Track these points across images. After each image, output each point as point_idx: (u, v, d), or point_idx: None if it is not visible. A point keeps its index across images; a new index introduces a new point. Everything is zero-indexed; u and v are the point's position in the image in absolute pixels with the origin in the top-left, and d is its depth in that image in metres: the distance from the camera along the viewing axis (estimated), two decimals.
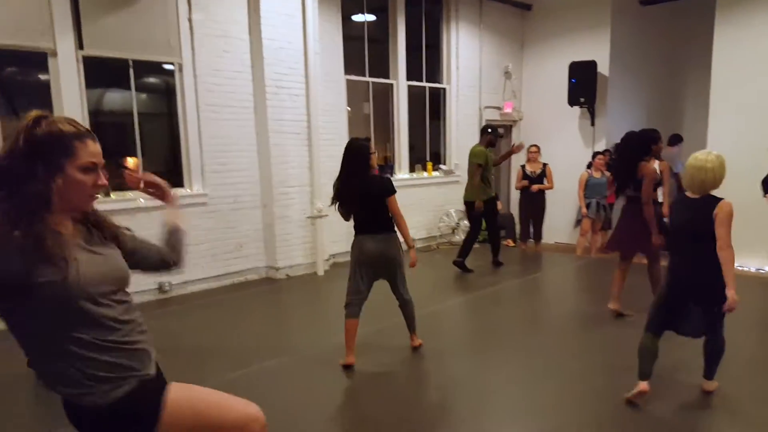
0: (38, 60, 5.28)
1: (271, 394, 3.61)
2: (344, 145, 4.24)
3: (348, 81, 7.92)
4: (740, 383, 3.73)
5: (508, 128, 10.50)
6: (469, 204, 7.34)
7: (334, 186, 4.12)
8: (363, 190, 3.99)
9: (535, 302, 6.28)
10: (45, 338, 1.56)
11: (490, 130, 7.49)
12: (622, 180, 5.12)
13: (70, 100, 5.41)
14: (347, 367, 4.05)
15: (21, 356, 1.70)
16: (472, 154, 7.26)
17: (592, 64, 9.08)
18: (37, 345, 1.59)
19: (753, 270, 7.15)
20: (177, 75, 6.24)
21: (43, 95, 5.37)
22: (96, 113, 5.84)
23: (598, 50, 9.16)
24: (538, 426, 3.24)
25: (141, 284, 6.04)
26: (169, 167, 6.46)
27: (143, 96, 6.18)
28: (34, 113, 1.56)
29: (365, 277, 4.06)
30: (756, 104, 7.20)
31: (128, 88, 5.92)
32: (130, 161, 5.94)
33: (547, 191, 8.50)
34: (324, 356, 4.32)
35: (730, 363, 3.64)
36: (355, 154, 4.04)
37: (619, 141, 5.48)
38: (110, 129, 6.23)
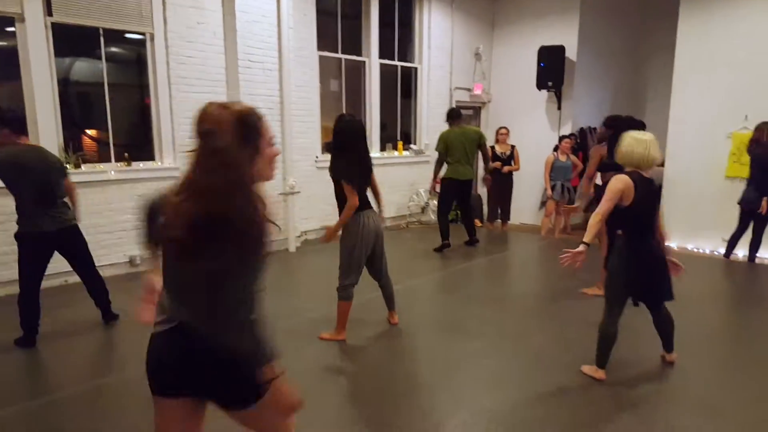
0: (5, 25, 5.11)
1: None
2: (334, 122, 4.17)
3: (320, 57, 7.89)
4: (699, 354, 3.99)
5: (477, 110, 10.65)
6: (466, 183, 7.42)
7: (349, 163, 4.00)
8: (369, 166, 4.15)
9: (504, 279, 6.50)
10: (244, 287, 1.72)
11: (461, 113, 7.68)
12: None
13: (39, 67, 5.27)
14: (340, 342, 4.18)
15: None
16: (480, 136, 7.41)
17: (560, 49, 9.24)
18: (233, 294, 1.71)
19: (708, 252, 7.50)
20: (148, 45, 6.11)
21: (10, 61, 5.20)
22: (65, 82, 5.69)
23: (566, 35, 9.32)
24: (507, 396, 3.40)
25: (112, 257, 6.00)
26: (139, 140, 6.35)
27: (113, 66, 6.03)
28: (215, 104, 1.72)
29: (364, 254, 4.11)
30: (717, 90, 7.50)
31: (98, 57, 5.79)
32: None
33: (513, 172, 8.71)
34: (300, 330, 4.41)
35: (690, 336, 3.88)
36: (363, 131, 4.19)
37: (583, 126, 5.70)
38: (80, 99, 6.07)
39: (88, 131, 6.19)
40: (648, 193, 3.39)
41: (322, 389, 3.53)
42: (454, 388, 3.49)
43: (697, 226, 7.48)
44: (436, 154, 7.77)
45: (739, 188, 6.68)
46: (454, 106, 10.02)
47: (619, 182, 3.34)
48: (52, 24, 5.32)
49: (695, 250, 7.60)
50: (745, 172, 6.70)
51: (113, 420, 3.12)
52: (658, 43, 10.06)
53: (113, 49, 6.10)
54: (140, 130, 6.38)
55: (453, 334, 4.43)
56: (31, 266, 4.05)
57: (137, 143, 6.31)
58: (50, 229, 4.02)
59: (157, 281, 1.84)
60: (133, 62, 6.33)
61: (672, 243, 7.52)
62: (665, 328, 3.72)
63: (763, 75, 7.08)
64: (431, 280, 6.21)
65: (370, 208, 4.15)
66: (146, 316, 1.85)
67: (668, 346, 3.78)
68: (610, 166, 4.87)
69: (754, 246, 6.65)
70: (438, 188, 7.96)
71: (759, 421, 3.12)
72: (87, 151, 5.99)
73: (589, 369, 3.64)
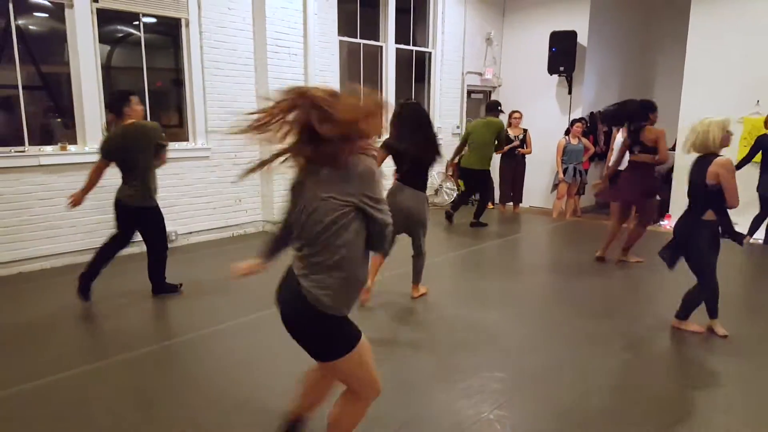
0: (56, 11, 5.37)
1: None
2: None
3: (341, 42, 8.12)
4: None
5: (488, 94, 10.91)
6: (476, 172, 7.88)
7: (394, 138, 4.35)
8: (422, 146, 4.35)
9: (519, 257, 6.83)
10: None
11: (499, 107, 8.14)
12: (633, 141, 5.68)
13: (85, 51, 5.53)
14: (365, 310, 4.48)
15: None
16: (500, 127, 7.85)
17: (572, 34, 9.48)
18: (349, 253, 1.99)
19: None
20: (183, 30, 6.36)
21: (59, 46, 5.46)
22: (107, 67, 5.94)
23: (577, 21, 9.56)
24: (536, 359, 3.72)
25: None
26: (174, 121, 6.62)
27: (151, 51, 6.27)
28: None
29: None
30: (728, 76, 7.75)
31: (138, 42, 6.03)
32: None
33: (526, 156, 9.00)
34: None
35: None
36: (419, 115, 4.43)
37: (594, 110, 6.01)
38: (121, 83, 6.32)
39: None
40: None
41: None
42: (496, 351, 3.80)
43: None
44: (448, 138, 8.11)
45: (749, 172, 6.98)
46: (466, 90, 10.32)
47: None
48: (97, 9, 5.56)
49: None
50: (756, 156, 6.97)
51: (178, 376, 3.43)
52: (668, 30, 10.31)
53: (152, 34, 6.34)
54: (175, 112, 6.65)
55: (473, 305, 4.73)
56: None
57: (172, 125, 6.58)
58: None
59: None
60: (169, 46, 6.56)
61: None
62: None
63: None
64: (448, 258, 6.50)
65: (410, 186, 4.42)
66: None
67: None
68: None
69: None
70: (450, 172, 8.55)
71: None
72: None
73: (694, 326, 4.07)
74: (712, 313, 4.05)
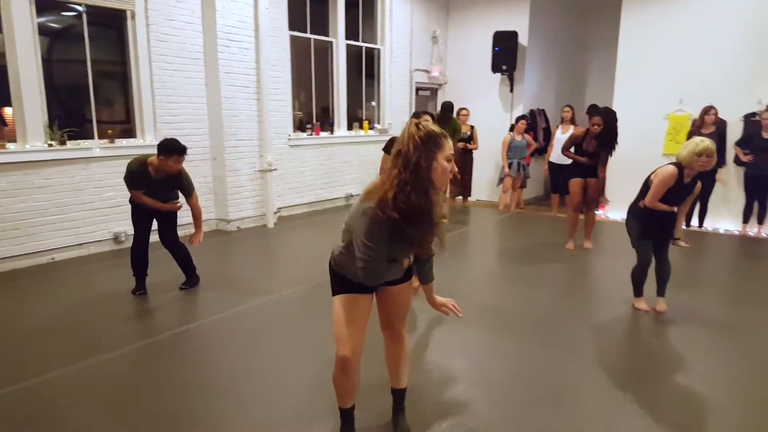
0: None
1: (271, 324, 4.01)
2: None
3: (291, 37, 8.03)
4: None
5: (434, 91, 11.09)
6: None
7: None
8: None
9: (474, 246, 7.00)
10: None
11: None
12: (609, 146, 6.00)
13: (24, 45, 5.21)
14: None
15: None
16: (458, 128, 8.10)
17: (513, 35, 9.79)
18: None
19: None
20: (129, 23, 6.10)
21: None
22: (48, 61, 5.62)
23: (518, 21, 9.88)
24: (496, 330, 3.86)
25: (97, 235, 6.02)
26: (121, 117, 6.35)
27: (96, 44, 5.97)
28: (414, 121, 2.14)
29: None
30: (655, 76, 8.26)
31: (81, 35, 5.74)
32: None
33: (473, 151, 9.22)
34: (303, 295, 4.72)
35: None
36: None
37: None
38: (64, 78, 5.98)
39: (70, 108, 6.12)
40: None
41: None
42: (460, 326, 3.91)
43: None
44: (398, 134, 8.19)
45: None
46: (415, 87, 10.45)
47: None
48: (36, 0, 5.25)
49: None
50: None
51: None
52: (600, 31, 10.85)
53: (96, 26, 6.04)
54: (122, 107, 6.37)
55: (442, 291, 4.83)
56: None
57: (119, 120, 6.31)
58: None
59: None
60: (114, 39, 6.27)
61: (617, 216, 8.31)
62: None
63: (696, 62, 7.87)
64: None
65: None
66: None
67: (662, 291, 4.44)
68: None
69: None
70: None
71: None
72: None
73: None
74: (639, 292, 4.49)
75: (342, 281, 2.38)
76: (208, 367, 3.48)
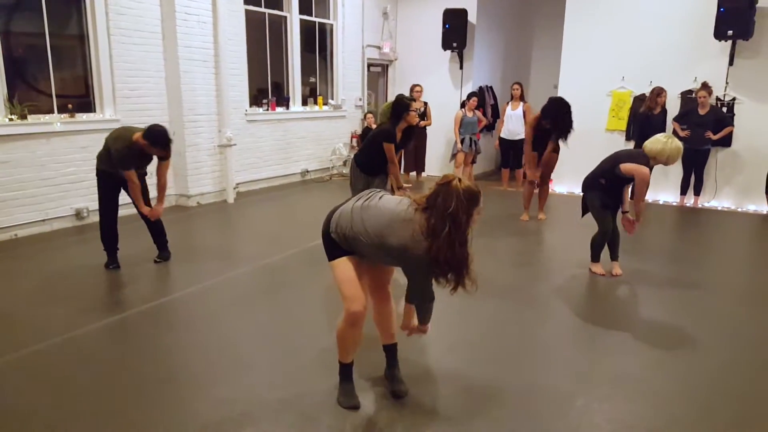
0: None
1: (250, 293, 4.21)
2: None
3: (246, 11, 8.01)
4: None
5: (385, 67, 11.28)
6: None
7: None
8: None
9: None
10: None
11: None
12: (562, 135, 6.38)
13: None
14: None
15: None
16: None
17: (463, 12, 10.07)
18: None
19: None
20: None
21: None
22: (5, 34, 5.46)
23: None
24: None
25: (59, 210, 5.97)
26: (80, 91, 6.24)
27: (53, 17, 5.82)
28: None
29: None
30: (599, 54, 8.71)
31: (39, 8, 5.60)
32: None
33: (426, 127, 9.53)
34: (277, 266, 4.93)
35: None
36: None
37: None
38: (22, 51, 5.82)
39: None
40: None
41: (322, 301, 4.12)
42: None
43: (582, 173, 8.71)
44: (351, 110, 8.55)
45: (618, 140, 7.98)
46: (367, 65, 10.60)
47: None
48: None
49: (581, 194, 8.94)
50: (622, 126, 8.02)
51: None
52: (545, 10, 11.27)
53: None
54: (81, 81, 6.26)
55: None
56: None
57: (78, 94, 6.20)
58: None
59: None
60: (72, 12, 6.12)
61: (563, 189, 8.85)
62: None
63: (638, 42, 8.35)
64: None
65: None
66: None
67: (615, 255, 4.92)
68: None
69: None
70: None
71: None
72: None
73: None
74: (597, 257, 4.94)
75: (338, 247, 2.62)
76: (197, 332, 3.65)
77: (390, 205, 2.53)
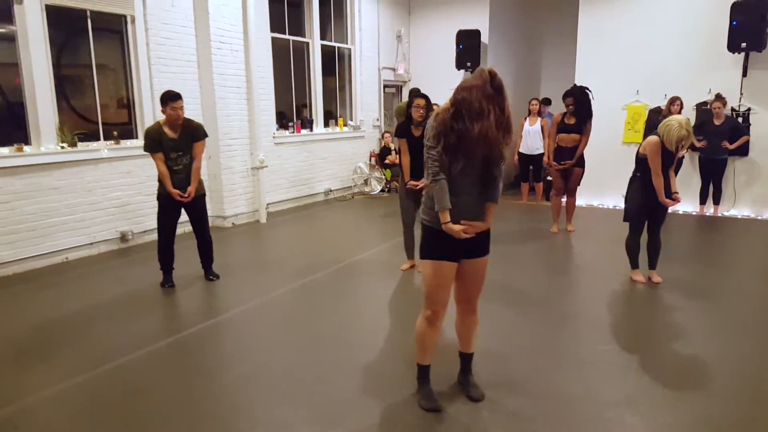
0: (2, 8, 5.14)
1: (305, 309, 4.40)
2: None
3: (273, 38, 8.31)
4: None
5: (399, 88, 11.58)
6: None
7: None
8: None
9: None
10: None
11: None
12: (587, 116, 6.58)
13: (36, 49, 5.33)
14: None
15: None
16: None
17: (476, 33, 10.39)
18: None
19: (610, 206, 9.05)
20: (129, 27, 6.27)
21: (7, 45, 5.21)
22: (58, 66, 5.73)
23: (479, 20, 10.49)
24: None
25: (105, 234, 6.18)
26: (122, 119, 6.50)
27: (99, 48, 6.10)
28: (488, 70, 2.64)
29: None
30: (613, 69, 8.97)
31: (86, 39, 5.88)
32: None
33: None
34: (324, 281, 5.12)
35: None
36: None
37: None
38: (71, 81, 6.09)
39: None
40: None
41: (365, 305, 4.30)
42: None
43: (601, 186, 9.00)
44: (370, 130, 8.79)
45: (635, 153, 8.17)
46: (383, 85, 10.89)
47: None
48: (46, 6, 5.37)
49: (599, 205, 9.16)
50: (639, 138, 8.24)
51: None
52: (555, 28, 11.60)
53: (99, 31, 6.16)
54: (124, 109, 6.52)
55: None
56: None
57: (121, 122, 6.46)
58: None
59: None
60: (116, 44, 6.40)
61: (582, 202, 9.05)
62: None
63: (651, 55, 8.61)
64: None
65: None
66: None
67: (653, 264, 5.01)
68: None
69: None
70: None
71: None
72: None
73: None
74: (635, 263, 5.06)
75: (431, 245, 2.77)
76: (259, 349, 3.83)
77: None
